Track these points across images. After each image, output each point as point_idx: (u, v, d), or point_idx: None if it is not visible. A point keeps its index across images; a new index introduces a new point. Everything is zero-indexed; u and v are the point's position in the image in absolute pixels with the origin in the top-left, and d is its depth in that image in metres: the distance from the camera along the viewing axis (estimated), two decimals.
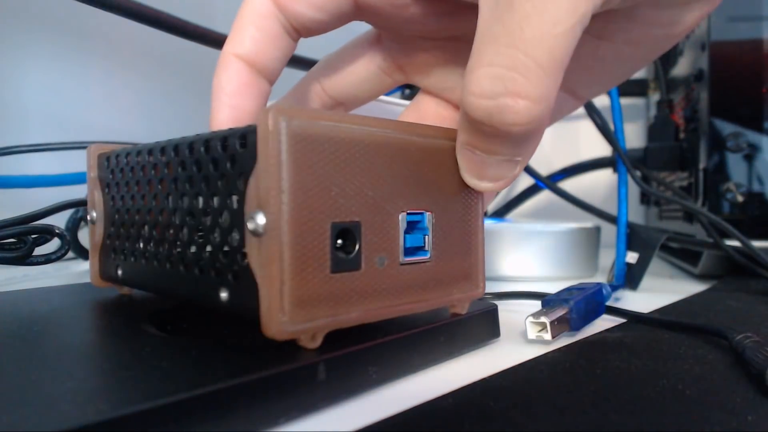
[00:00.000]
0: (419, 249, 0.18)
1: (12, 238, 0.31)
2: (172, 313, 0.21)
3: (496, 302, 0.23)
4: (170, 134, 0.20)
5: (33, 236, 0.31)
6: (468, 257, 0.19)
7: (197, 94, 0.69)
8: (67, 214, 0.37)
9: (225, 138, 0.16)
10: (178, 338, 0.18)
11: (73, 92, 0.56)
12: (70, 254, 0.31)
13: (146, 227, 0.20)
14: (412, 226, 0.18)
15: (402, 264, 0.17)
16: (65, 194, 0.33)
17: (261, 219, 0.14)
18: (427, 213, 0.18)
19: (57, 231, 0.32)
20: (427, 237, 0.18)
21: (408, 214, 0.17)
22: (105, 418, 0.11)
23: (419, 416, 0.15)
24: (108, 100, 0.59)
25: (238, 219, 0.16)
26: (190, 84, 0.67)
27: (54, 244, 0.32)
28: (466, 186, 0.19)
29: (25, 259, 0.31)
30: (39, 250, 0.32)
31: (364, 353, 0.16)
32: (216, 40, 0.31)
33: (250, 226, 0.14)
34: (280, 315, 0.14)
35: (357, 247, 0.16)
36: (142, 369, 0.14)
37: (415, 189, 0.17)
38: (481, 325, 0.21)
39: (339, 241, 0.16)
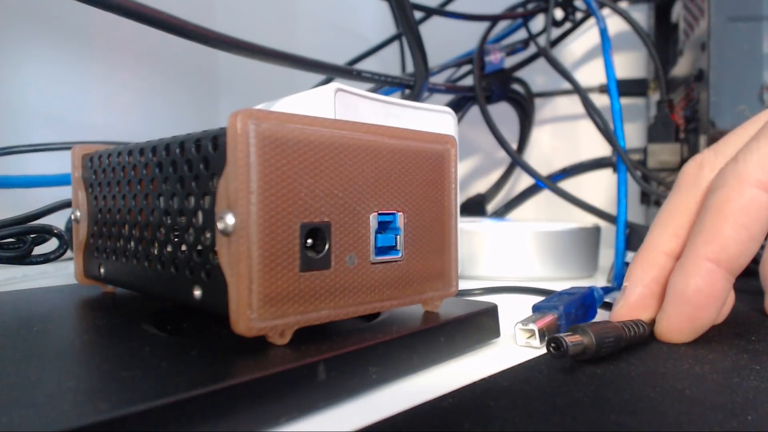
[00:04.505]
0: (391, 248, 0.18)
1: (11, 237, 0.31)
2: (172, 313, 0.21)
3: (489, 297, 0.23)
4: (169, 134, 0.20)
5: (32, 236, 0.31)
6: (441, 256, 0.20)
7: (197, 94, 0.69)
8: (65, 213, 0.37)
9: (198, 140, 0.17)
10: (178, 338, 0.18)
11: (72, 92, 0.56)
12: (69, 254, 0.31)
13: (126, 226, 0.21)
14: (384, 226, 0.18)
15: (373, 263, 0.18)
16: (64, 194, 0.33)
17: (230, 219, 0.15)
18: (399, 213, 0.18)
19: (55, 231, 0.32)
20: (398, 237, 0.18)
21: (379, 214, 0.18)
22: (105, 418, 0.11)
23: (419, 416, 0.15)
24: (107, 100, 0.59)
25: (211, 219, 0.16)
26: (190, 84, 0.67)
27: (53, 244, 0.32)
28: (438, 187, 0.19)
29: (24, 258, 0.31)
30: (38, 250, 0.32)
31: (364, 353, 0.16)
32: (216, 40, 0.31)
33: (219, 226, 0.15)
34: (249, 312, 0.15)
35: (327, 246, 0.16)
36: (142, 369, 0.14)
37: (387, 190, 0.18)
38: (481, 324, 0.21)
39: (309, 241, 0.16)
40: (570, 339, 0.18)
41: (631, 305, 0.23)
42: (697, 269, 0.21)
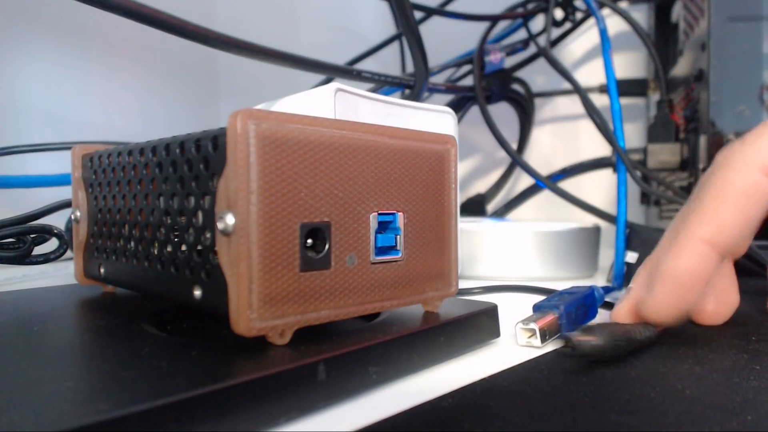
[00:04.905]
0: (391, 248, 0.18)
1: (11, 237, 0.31)
2: (172, 313, 0.21)
3: (489, 296, 0.23)
4: (169, 134, 0.20)
5: (32, 236, 0.31)
6: (441, 257, 0.20)
7: (197, 95, 0.69)
8: (65, 213, 0.37)
9: (198, 140, 0.17)
10: (178, 338, 0.18)
11: (72, 92, 0.56)
12: (69, 254, 0.31)
13: (126, 226, 0.21)
14: (384, 226, 0.18)
15: (373, 263, 0.18)
16: (64, 194, 0.33)
17: (230, 219, 0.15)
18: (399, 213, 0.18)
19: (55, 231, 0.32)
20: (398, 237, 0.18)
21: (379, 214, 0.18)
22: (105, 418, 0.11)
23: (419, 416, 0.15)
24: (107, 100, 0.59)
25: (211, 219, 0.16)
26: (190, 84, 0.67)
27: (53, 244, 0.32)
28: (438, 187, 0.20)
29: (24, 258, 0.31)
30: (38, 250, 0.32)
31: (364, 353, 0.16)
32: (216, 40, 0.31)
33: (219, 225, 0.15)
34: (249, 312, 0.15)
35: (327, 246, 0.16)
36: (142, 369, 0.14)
37: (387, 190, 0.18)
38: (481, 324, 0.21)
39: (309, 241, 0.16)
40: (581, 338, 0.18)
41: (632, 307, 0.23)
42: (690, 249, 0.20)
